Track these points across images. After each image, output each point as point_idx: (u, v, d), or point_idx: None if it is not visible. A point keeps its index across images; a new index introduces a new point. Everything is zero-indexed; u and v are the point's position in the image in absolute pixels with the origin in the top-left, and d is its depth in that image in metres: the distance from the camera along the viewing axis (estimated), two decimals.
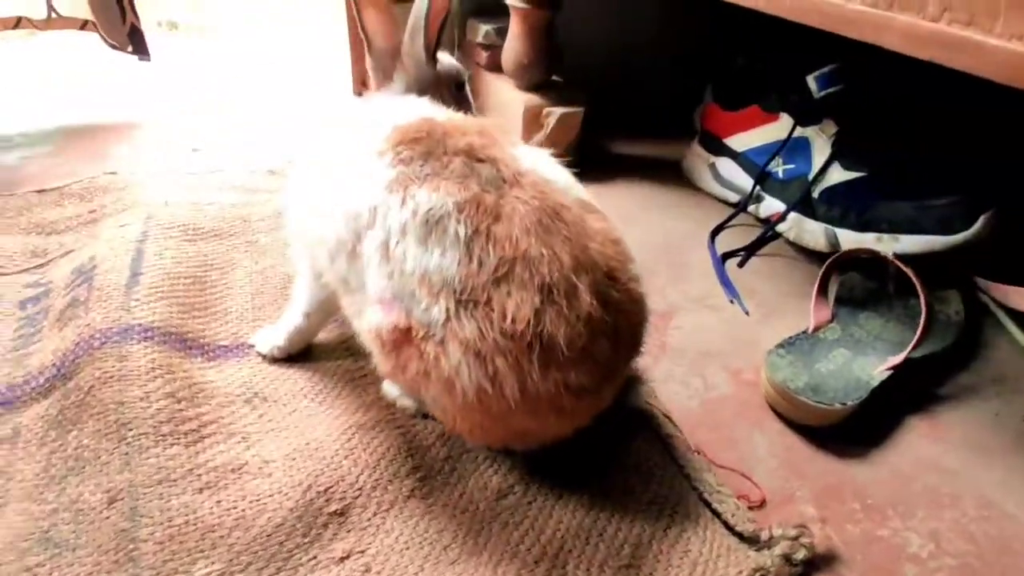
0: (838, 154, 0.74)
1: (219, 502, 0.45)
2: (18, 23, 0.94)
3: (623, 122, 1.07)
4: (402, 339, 0.42)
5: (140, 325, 0.57)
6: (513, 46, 0.88)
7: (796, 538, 0.45)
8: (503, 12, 0.90)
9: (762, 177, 0.82)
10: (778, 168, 0.80)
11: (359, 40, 1.01)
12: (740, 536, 0.46)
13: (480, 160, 0.43)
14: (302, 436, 0.50)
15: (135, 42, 0.93)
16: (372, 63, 0.58)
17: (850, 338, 0.63)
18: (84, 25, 0.94)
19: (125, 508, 0.44)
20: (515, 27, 0.87)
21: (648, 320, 0.46)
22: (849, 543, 0.48)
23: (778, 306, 0.72)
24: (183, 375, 0.54)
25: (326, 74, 1.26)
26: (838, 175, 0.75)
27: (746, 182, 0.85)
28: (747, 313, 0.70)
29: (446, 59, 0.61)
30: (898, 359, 0.58)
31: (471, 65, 1.01)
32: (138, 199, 0.78)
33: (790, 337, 0.62)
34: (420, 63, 0.57)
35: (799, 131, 0.77)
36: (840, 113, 0.75)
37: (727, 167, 0.88)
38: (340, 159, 0.47)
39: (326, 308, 0.55)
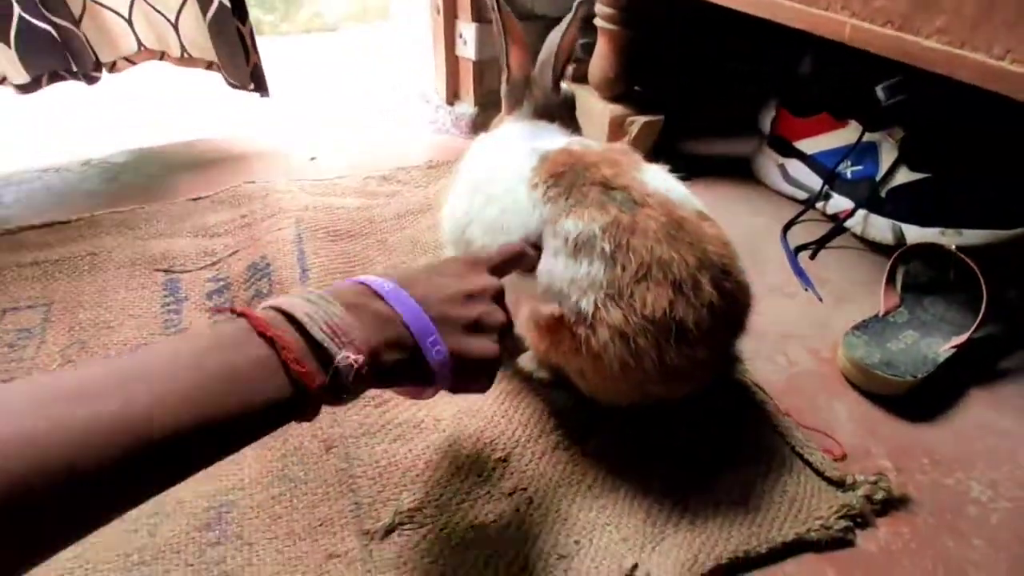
0: (904, 157, 0.83)
1: (410, 450, 0.58)
2: (163, 56, 1.09)
3: (696, 125, 1.17)
4: (556, 324, 0.54)
5: None
6: (600, 62, 0.99)
7: (875, 483, 0.56)
8: (586, 29, 1.01)
9: (831, 177, 0.91)
10: (847, 169, 0.89)
11: (453, 56, 1.13)
12: (828, 480, 0.57)
13: (614, 188, 0.54)
14: (463, 400, 0.63)
15: (256, 80, 1.06)
16: (507, 90, 0.70)
17: (917, 320, 0.73)
18: (209, 66, 1.08)
19: (341, 453, 0.58)
20: (602, 46, 0.98)
21: (752, 305, 0.57)
22: (920, 489, 0.58)
23: (848, 293, 0.82)
24: None
25: (406, 82, 1.39)
26: (904, 176, 0.84)
27: (815, 181, 0.94)
28: (820, 300, 0.80)
29: (563, 85, 0.72)
30: (962, 339, 0.68)
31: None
32: (282, 206, 0.92)
33: (863, 320, 0.72)
34: (547, 91, 0.69)
35: (868, 136, 0.87)
36: (906, 120, 0.84)
37: (796, 168, 0.97)
38: (500, 187, 0.58)
39: None
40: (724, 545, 0.52)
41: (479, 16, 1.06)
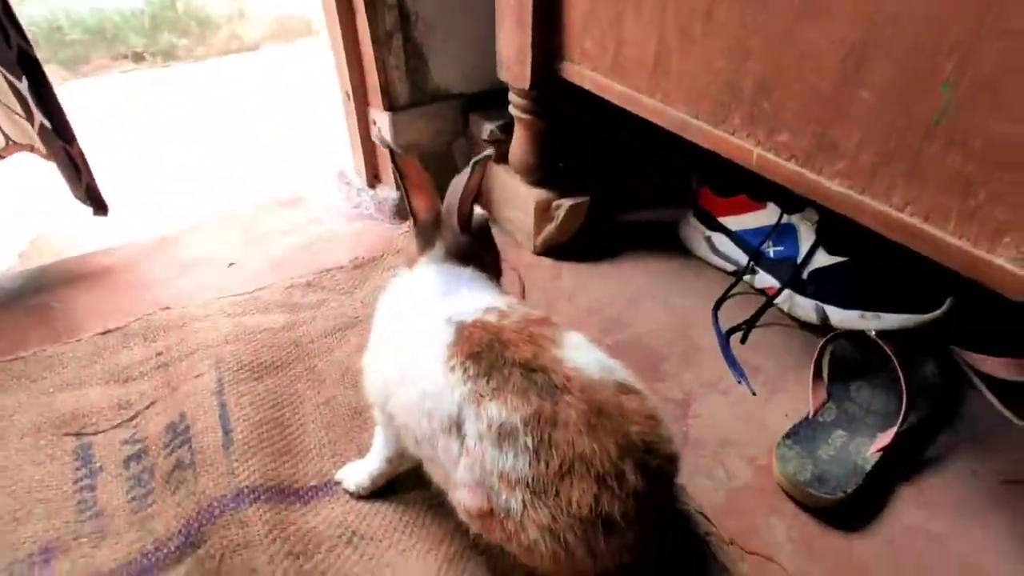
0: (822, 240, 0.86)
1: None
2: (32, 148, 1.02)
3: (623, 197, 1.18)
4: (487, 516, 0.53)
5: (247, 487, 0.68)
6: (518, 149, 0.98)
7: None
8: (504, 105, 1.00)
9: (755, 255, 0.94)
10: (769, 249, 0.92)
11: (369, 140, 1.10)
12: None
13: (534, 370, 0.53)
14: (416, 559, 0.62)
15: (92, 199, 1.03)
16: (416, 231, 0.69)
17: (845, 415, 0.76)
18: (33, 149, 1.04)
19: None
20: (519, 133, 0.97)
21: (679, 464, 0.58)
22: None
23: (780, 382, 0.84)
24: (294, 529, 0.65)
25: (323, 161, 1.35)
26: (823, 259, 0.86)
27: (741, 256, 0.97)
28: (754, 393, 0.83)
29: (476, 210, 0.71)
30: (887, 438, 0.71)
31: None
32: (200, 340, 0.88)
33: (795, 426, 0.74)
34: (457, 234, 0.67)
35: (786, 218, 0.89)
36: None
37: (722, 241, 0.99)
38: (418, 369, 0.57)
39: (405, 454, 0.67)
40: None
41: (391, 104, 1.03)
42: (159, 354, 0.89)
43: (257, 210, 1.21)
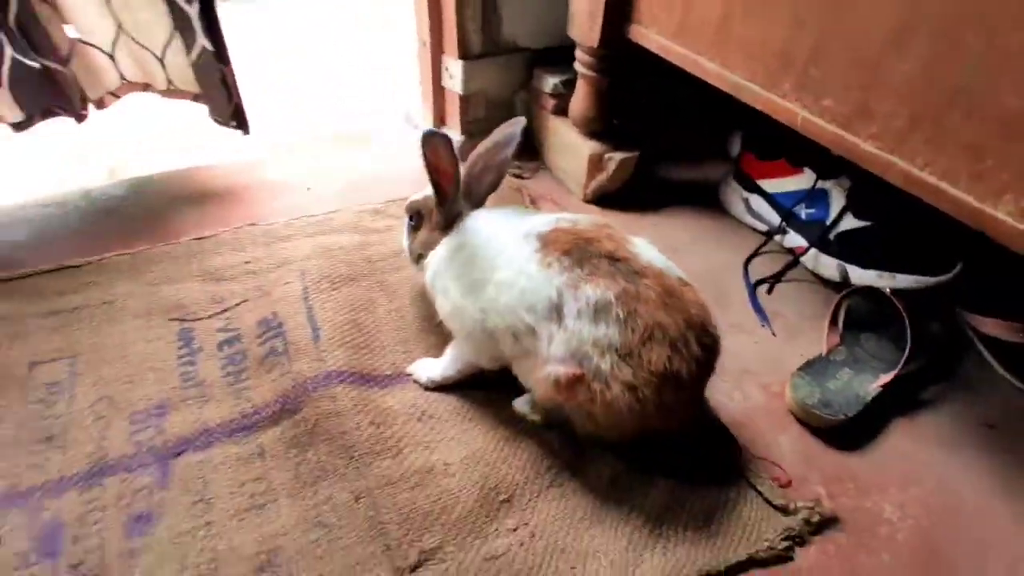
0: (851, 205, 0.95)
1: (428, 495, 0.70)
2: (147, 87, 1.13)
3: (669, 152, 1.27)
4: (576, 381, 0.65)
5: (334, 371, 0.81)
6: (580, 104, 1.08)
7: (813, 507, 0.71)
8: (566, 62, 1.09)
9: (787, 216, 1.03)
10: (801, 211, 1.01)
11: (440, 86, 1.20)
12: (775, 506, 0.71)
13: (617, 260, 0.66)
14: (467, 446, 0.75)
15: (238, 118, 1.11)
16: (440, 207, 0.77)
17: (852, 358, 0.86)
18: (196, 98, 1.12)
19: (369, 503, 0.69)
20: (582, 88, 1.07)
21: (720, 352, 0.71)
22: (844, 511, 0.72)
23: (799, 328, 0.95)
24: (373, 406, 0.78)
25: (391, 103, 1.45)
26: (850, 222, 0.96)
27: (774, 217, 1.06)
28: (774, 335, 0.93)
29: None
30: (888, 377, 0.81)
31: (537, 109, 1.20)
32: (286, 255, 1.00)
33: (808, 360, 0.85)
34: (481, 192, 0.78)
35: (820, 183, 0.98)
36: (853, 171, 0.95)
37: (758, 203, 1.09)
38: (509, 273, 0.68)
39: (474, 365, 0.79)
40: (691, 566, 0.66)
41: (464, 52, 1.13)
42: (247, 262, 1.01)
43: (331, 142, 1.32)
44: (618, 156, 1.09)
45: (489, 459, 0.74)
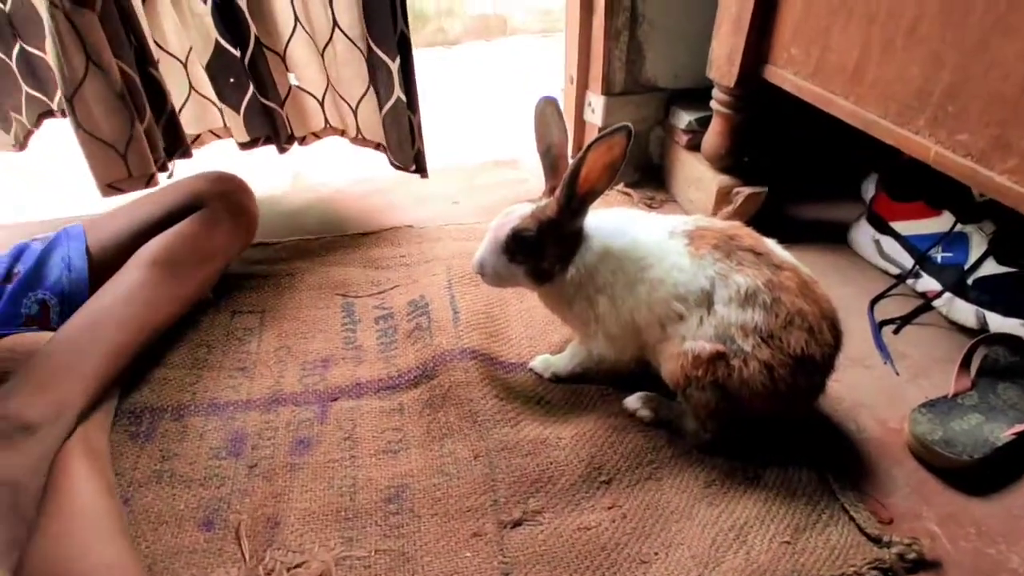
0: (993, 250, 0.93)
1: (538, 464, 0.78)
2: (343, 133, 1.33)
3: (799, 190, 1.29)
4: (717, 358, 0.72)
5: (468, 349, 0.92)
6: (713, 139, 1.15)
7: (910, 544, 0.69)
8: (702, 102, 1.17)
9: (921, 259, 1.02)
10: (937, 254, 1.00)
11: (581, 119, 1.33)
12: (867, 535, 0.71)
13: (759, 253, 0.74)
14: (578, 427, 0.82)
15: (417, 163, 1.23)
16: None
17: (986, 405, 0.83)
18: (378, 147, 1.28)
19: (486, 461, 0.79)
20: (716, 125, 1.14)
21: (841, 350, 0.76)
22: (963, 555, 0.70)
23: (925, 370, 0.93)
24: (499, 382, 0.89)
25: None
26: (991, 267, 0.93)
27: (907, 259, 1.05)
28: (897, 374, 0.92)
29: None
30: (1023, 427, 0.78)
31: (670, 144, 1.29)
32: (436, 253, 1.16)
33: (932, 399, 0.84)
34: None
35: (960, 227, 0.97)
36: (997, 216, 0.93)
37: (890, 245, 1.08)
38: (662, 269, 0.75)
39: (591, 364, 0.87)
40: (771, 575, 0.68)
41: (607, 89, 1.25)
42: (402, 256, 1.18)
43: (478, 165, 1.50)
44: (746, 191, 1.14)
45: (597, 442, 0.81)
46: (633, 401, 0.85)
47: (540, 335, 0.99)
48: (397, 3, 1.06)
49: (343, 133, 1.31)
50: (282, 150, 1.28)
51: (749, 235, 0.77)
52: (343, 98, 1.23)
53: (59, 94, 1.16)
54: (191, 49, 1.18)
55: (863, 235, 1.14)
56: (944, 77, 0.74)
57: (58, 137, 1.29)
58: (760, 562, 0.69)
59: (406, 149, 1.20)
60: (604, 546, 0.70)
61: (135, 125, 1.07)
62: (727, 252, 0.74)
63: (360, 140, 1.30)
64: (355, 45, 1.13)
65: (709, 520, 0.73)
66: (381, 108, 1.18)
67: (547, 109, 0.81)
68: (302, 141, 1.31)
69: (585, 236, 0.81)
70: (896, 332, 0.99)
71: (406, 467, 0.79)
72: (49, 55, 1.08)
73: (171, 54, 1.17)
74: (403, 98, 1.14)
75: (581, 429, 0.82)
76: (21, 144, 1.28)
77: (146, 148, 1.12)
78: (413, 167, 1.23)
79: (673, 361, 0.75)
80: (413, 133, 1.18)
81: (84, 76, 1.04)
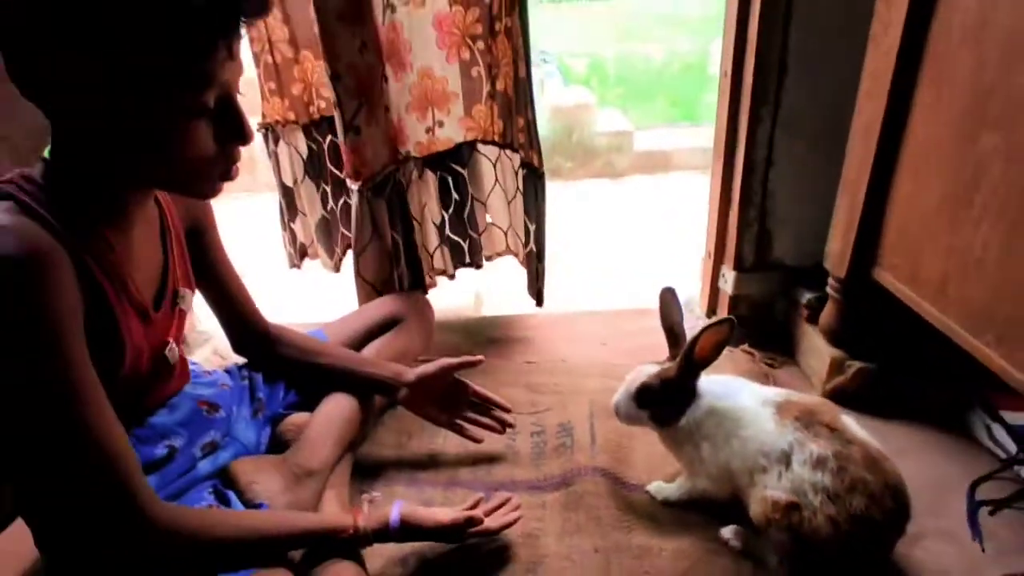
0: None
1: (642, 565, 1.03)
2: (514, 254, 1.80)
3: (912, 368, 1.43)
4: (790, 506, 0.94)
5: (601, 468, 1.21)
6: (828, 317, 1.37)
7: None
8: (821, 279, 1.40)
9: None
10: None
11: (715, 287, 1.61)
12: None
13: (834, 429, 0.95)
14: (678, 543, 1.05)
15: (537, 296, 1.68)
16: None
17: None
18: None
19: (603, 556, 1.05)
20: (831, 306, 1.37)
21: (910, 518, 0.94)
22: None
23: (1014, 551, 1.02)
24: (620, 497, 1.16)
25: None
26: None
27: (1013, 447, 1.16)
28: (983, 551, 1.03)
29: None
30: None
31: (793, 315, 1.52)
32: (583, 386, 1.48)
33: (1012, 573, 0.95)
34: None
35: None
36: None
37: (999, 431, 1.20)
38: (751, 431, 1.00)
39: (697, 495, 1.11)
40: None
41: (738, 265, 1.54)
42: (556, 384, 1.51)
43: (625, 311, 1.83)
44: (857, 364, 1.33)
45: (692, 558, 1.03)
46: (727, 531, 1.07)
47: (658, 466, 1.24)
48: (539, 187, 1.54)
49: (515, 254, 1.78)
50: (477, 267, 1.79)
51: (829, 412, 0.99)
52: (516, 232, 1.72)
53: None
54: (424, 207, 1.70)
55: (975, 418, 1.26)
56: (1005, 306, 0.94)
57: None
58: None
59: (532, 285, 1.67)
60: None
61: (393, 272, 1.56)
62: (807, 424, 0.96)
63: (524, 263, 1.75)
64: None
65: None
66: (526, 247, 1.66)
67: (668, 297, 1.13)
68: (489, 259, 1.80)
69: (697, 394, 1.08)
70: (992, 513, 1.10)
71: (544, 550, 1.08)
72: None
73: (415, 219, 1.70)
74: (534, 249, 1.61)
75: (680, 545, 1.05)
76: (336, 267, 1.86)
77: (395, 286, 1.61)
78: (534, 298, 1.69)
79: (758, 504, 0.98)
80: (539, 275, 1.64)
81: (369, 241, 1.56)
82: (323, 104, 1.64)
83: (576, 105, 3.99)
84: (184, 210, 1.03)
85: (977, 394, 1.27)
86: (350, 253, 1.82)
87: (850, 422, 0.98)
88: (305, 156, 1.71)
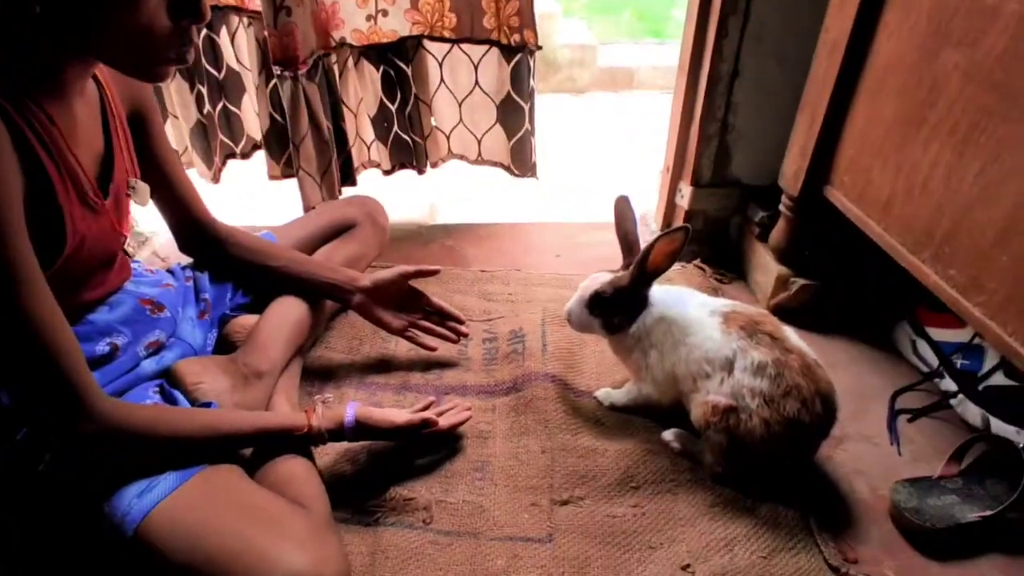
0: (1003, 364, 1.12)
1: (586, 464, 1.08)
2: (462, 157, 1.76)
3: (848, 287, 1.50)
4: (728, 409, 0.98)
5: (551, 374, 1.24)
6: (778, 234, 1.41)
7: None
8: (774, 199, 1.42)
9: (946, 362, 1.21)
10: (958, 360, 1.19)
11: (672, 202, 1.62)
12: (830, 566, 0.93)
13: (775, 338, 0.99)
14: (622, 445, 1.11)
15: (533, 170, 1.70)
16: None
17: (967, 491, 1.02)
18: (495, 164, 1.72)
19: (549, 456, 1.10)
20: (782, 223, 1.40)
21: (836, 423, 1.00)
22: None
23: (926, 456, 1.12)
24: (569, 402, 1.20)
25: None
26: (1000, 379, 1.12)
27: (934, 361, 1.25)
28: (900, 454, 1.13)
29: None
30: (989, 512, 0.97)
31: (746, 232, 1.55)
32: (536, 296, 1.49)
33: (917, 477, 1.04)
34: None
35: (978, 340, 1.16)
36: None
37: (923, 347, 1.28)
38: (699, 337, 1.02)
39: (643, 401, 1.16)
40: None
41: (695, 181, 1.54)
42: (509, 294, 1.52)
43: (580, 224, 1.83)
44: (801, 281, 1.38)
45: (634, 458, 1.09)
46: (668, 434, 1.12)
47: (606, 373, 1.28)
48: (532, 69, 1.55)
49: (462, 157, 1.76)
50: (420, 172, 1.76)
51: (771, 323, 1.03)
52: (470, 131, 1.69)
53: (243, 141, 1.68)
54: (361, 101, 1.63)
55: (902, 333, 1.34)
56: (944, 224, 0.98)
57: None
58: (738, 566, 0.94)
59: (528, 163, 1.68)
60: (624, 531, 0.99)
61: (331, 163, 1.51)
62: (750, 333, 1.00)
63: (479, 161, 1.75)
64: (489, 97, 1.62)
65: (707, 530, 0.99)
66: (510, 138, 1.65)
67: (623, 205, 1.12)
68: (433, 165, 1.78)
69: (649, 303, 1.10)
70: (910, 421, 1.19)
71: (491, 450, 1.12)
72: (256, 116, 1.58)
73: (349, 108, 1.63)
74: (529, 129, 1.60)
75: (624, 446, 1.11)
76: (215, 178, 1.77)
77: (335, 179, 1.57)
78: (530, 174, 1.71)
79: (699, 408, 1.03)
80: (531, 150, 1.66)
81: (306, 131, 1.49)
82: None
83: (540, 13, 3.80)
84: (125, 92, 0.95)
85: (906, 311, 1.34)
86: (230, 163, 1.78)
87: (790, 332, 1.03)
88: None
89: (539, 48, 1.56)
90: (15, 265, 0.70)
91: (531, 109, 1.63)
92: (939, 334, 1.25)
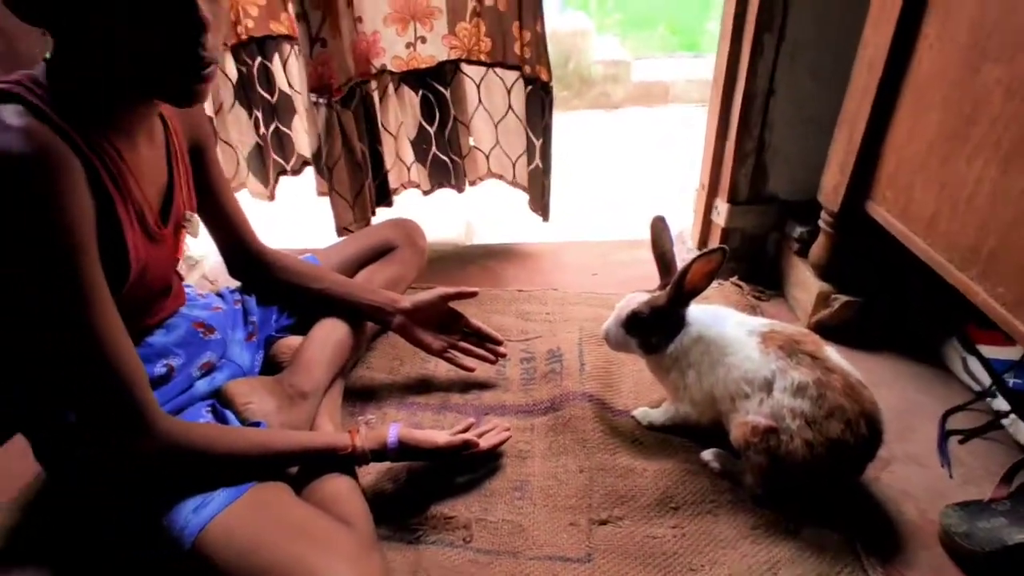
0: None
1: (625, 485, 1.08)
2: (500, 177, 1.80)
3: (894, 303, 1.47)
4: (768, 430, 0.98)
5: (587, 393, 1.26)
6: (818, 250, 1.39)
7: None
8: (813, 214, 1.41)
9: (998, 380, 1.18)
10: (1011, 379, 1.16)
11: (708, 219, 1.62)
12: None
13: (816, 358, 0.99)
14: (660, 465, 1.11)
15: (543, 211, 1.71)
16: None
17: (1016, 514, 0.99)
18: (525, 190, 1.76)
19: (588, 476, 1.11)
20: (822, 239, 1.39)
21: (883, 437, 0.99)
22: None
23: (978, 479, 1.09)
24: (607, 421, 1.21)
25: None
26: None
27: (987, 380, 1.21)
28: (951, 477, 1.10)
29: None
30: None
31: (784, 249, 1.54)
32: (573, 315, 1.51)
33: (967, 500, 1.02)
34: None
35: None
36: None
37: (975, 364, 1.25)
38: (738, 358, 1.03)
39: (681, 421, 1.16)
40: None
41: (732, 198, 1.54)
42: (547, 313, 1.54)
43: (616, 242, 1.84)
44: (843, 298, 1.36)
45: (673, 478, 1.09)
46: (707, 454, 1.12)
47: (644, 392, 1.29)
48: (547, 105, 1.56)
49: (501, 177, 1.79)
50: (460, 191, 1.81)
51: (812, 341, 1.02)
52: (506, 154, 1.72)
53: (293, 159, 1.77)
54: (401, 125, 1.69)
55: (952, 351, 1.31)
56: (990, 242, 0.96)
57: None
58: None
59: (538, 199, 1.70)
60: (665, 552, 0.99)
61: (363, 186, 1.57)
62: (790, 353, 1.00)
63: (515, 183, 1.78)
64: (521, 122, 1.64)
65: (749, 553, 0.98)
66: (528, 166, 1.68)
67: (659, 225, 1.14)
68: (472, 183, 1.82)
69: (686, 323, 1.11)
70: (962, 442, 1.16)
71: (530, 469, 1.13)
72: (305, 134, 1.65)
73: (389, 132, 1.68)
74: (540, 166, 1.63)
75: (663, 466, 1.11)
76: (271, 196, 1.85)
77: (367, 201, 1.62)
78: (539, 213, 1.73)
79: (738, 428, 1.02)
80: (544, 191, 1.68)
81: (339, 155, 1.56)
82: (251, 24, 1.58)
83: (573, 31, 3.85)
84: (186, 127, 1.02)
85: (956, 328, 1.31)
86: (283, 180, 1.85)
87: (832, 352, 1.02)
88: (235, 80, 1.66)
89: (551, 85, 1.56)
90: (90, 289, 0.76)
91: (544, 146, 1.62)
92: (990, 351, 1.22)
